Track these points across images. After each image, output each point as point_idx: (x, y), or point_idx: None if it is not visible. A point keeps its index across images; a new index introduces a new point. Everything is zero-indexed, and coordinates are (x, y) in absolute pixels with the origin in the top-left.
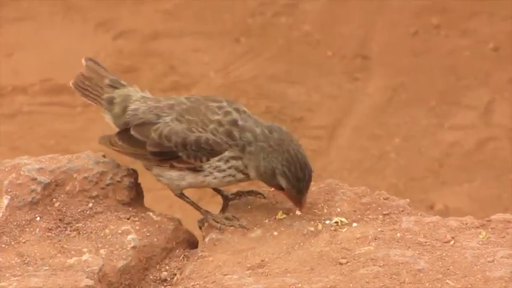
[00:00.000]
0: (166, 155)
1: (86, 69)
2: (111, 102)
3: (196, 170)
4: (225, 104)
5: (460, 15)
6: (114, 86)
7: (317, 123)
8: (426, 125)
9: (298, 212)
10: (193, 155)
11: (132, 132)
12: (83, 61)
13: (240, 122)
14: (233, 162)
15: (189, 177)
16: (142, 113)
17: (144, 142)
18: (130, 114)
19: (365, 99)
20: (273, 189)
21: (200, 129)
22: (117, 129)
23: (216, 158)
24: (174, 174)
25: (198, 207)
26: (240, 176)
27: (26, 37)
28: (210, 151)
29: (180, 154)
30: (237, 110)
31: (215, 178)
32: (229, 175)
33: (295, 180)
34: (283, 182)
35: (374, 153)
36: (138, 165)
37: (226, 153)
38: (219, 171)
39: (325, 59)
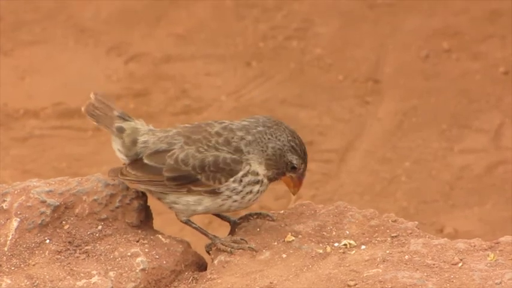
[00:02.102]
0: (184, 179)
1: (95, 101)
2: (121, 131)
3: (214, 192)
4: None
5: (471, 39)
6: (123, 117)
7: (328, 146)
8: (437, 148)
9: (292, 198)
10: (212, 176)
11: (146, 160)
12: (92, 95)
13: (231, 126)
14: (247, 179)
15: (207, 201)
16: (153, 144)
17: (160, 168)
18: (141, 146)
19: (376, 123)
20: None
21: (205, 147)
22: (124, 158)
23: (232, 179)
24: (191, 199)
25: (205, 232)
26: (256, 188)
27: (39, 61)
28: (229, 171)
29: (199, 177)
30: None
31: (235, 201)
32: (248, 193)
33: (302, 153)
34: (293, 158)
35: (385, 177)
36: None
37: (240, 173)
38: (237, 193)
39: (336, 82)
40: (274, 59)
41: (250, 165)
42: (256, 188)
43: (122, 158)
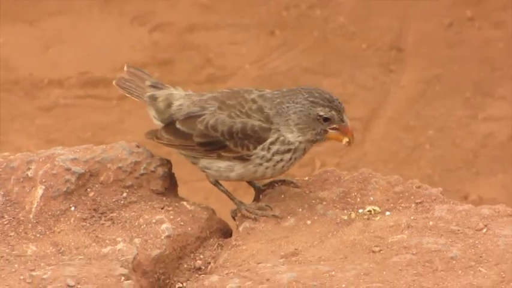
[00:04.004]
0: (214, 144)
1: (127, 73)
2: (154, 99)
3: (244, 159)
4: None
5: (494, 7)
6: (155, 86)
7: (352, 114)
8: (461, 116)
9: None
10: (240, 143)
11: (178, 125)
12: (125, 68)
13: (267, 95)
14: (275, 148)
15: (239, 168)
16: (187, 107)
17: (191, 134)
18: (175, 109)
19: (399, 91)
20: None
21: (238, 113)
22: (160, 124)
23: (260, 147)
24: (222, 165)
25: (232, 197)
26: (287, 156)
27: (63, 31)
28: (257, 138)
29: (227, 143)
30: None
31: (267, 168)
32: (278, 161)
33: (327, 101)
34: (318, 111)
35: (409, 145)
36: (172, 155)
37: (269, 140)
38: (267, 160)
39: (360, 51)
40: (298, 27)
41: (280, 135)
42: (288, 156)
43: (158, 124)
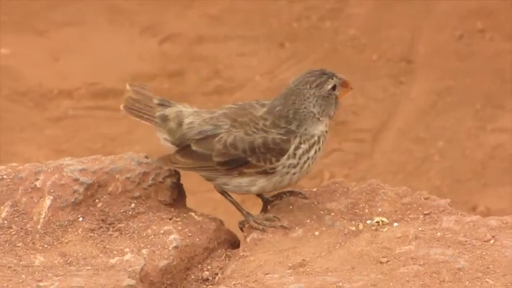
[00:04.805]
0: (235, 162)
1: (133, 92)
2: (164, 119)
3: (267, 172)
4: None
5: (505, 19)
6: (163, 104)
7: (362, 126)
8: (470, 127)
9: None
10: (263, 158)
11: (194, 147)
12: (127, 87)
13: (271, 110)
14: (299, 152)
15: (262, 181)
16: (199, 125)
17: (209, 155)
18: (186, 128)
19: (409, 103)
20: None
21: (254, 130)
22: (171, 146)
23: (285, 157)
24: (243, 180)
25: (240, 208)
26: (312, 152)
27: (73, 41)
28: (279, 150)
29: (249, 159)
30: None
31: (294, 173)
32: (305, 161)
33: (324, 75)
34: (327, 87)
35: (418, 156)
36: None
37: (290, 151)
38: (294, 166)
39: (370, 62)
40: (308, 39)
41: (302, 135)
42: (312, 151)
43: (168, 146)
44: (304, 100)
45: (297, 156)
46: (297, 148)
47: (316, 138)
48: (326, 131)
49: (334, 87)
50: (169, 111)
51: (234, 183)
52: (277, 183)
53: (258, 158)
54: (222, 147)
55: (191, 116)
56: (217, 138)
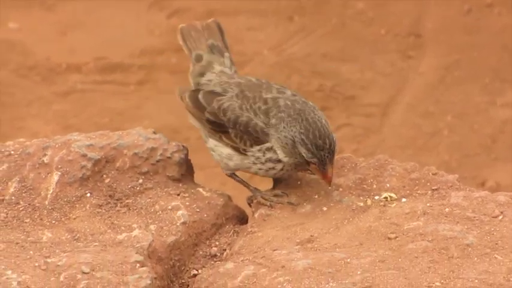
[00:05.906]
0: (218, 126)
1: (205, 24)
2: (198, 60)
3: (240, 152)
4: (286, 89)
5: None
6: (212, 48)
7: (370, 100)
8: (479, 102)
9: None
10: (240, 136)
11: (200, 95)
12: (210, 20)
13: (280, 101)
14: (268, 155)
15: (237, 158)
16: (213, 85)
17: (205, 108)
18: (204, 82)
19: (418, 77)
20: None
21: (248, 107)
22: (191, 84)
23: (257, 148)
24: (224, 151)
25: (247, 185)
26: (278, 166)
27: (81, 16)
28: (256, 138)
29: (230, 131)
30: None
31: (260, 169)
32: (270, 168)
33: (314, 148)
34: (302, 151)
35: (427, 131)
36: (189, 141)
37: (267, 144)
38: (261, 163)
39: (378, 37)
40: (316, 13)
41: (274, 145)
42: (279, 166)
43: (190, 82)
44: (289, 126)
45: (265, 157)
46: (268, 150)
47: (281, 163)
48: (296, 167)
49: (306, 162)
50: (207, 57)
51: (218, 152)
52: (246, 167)
53: (236, 134)
54: (216, 107)
55: (214, 73)
56: (218, 98)
